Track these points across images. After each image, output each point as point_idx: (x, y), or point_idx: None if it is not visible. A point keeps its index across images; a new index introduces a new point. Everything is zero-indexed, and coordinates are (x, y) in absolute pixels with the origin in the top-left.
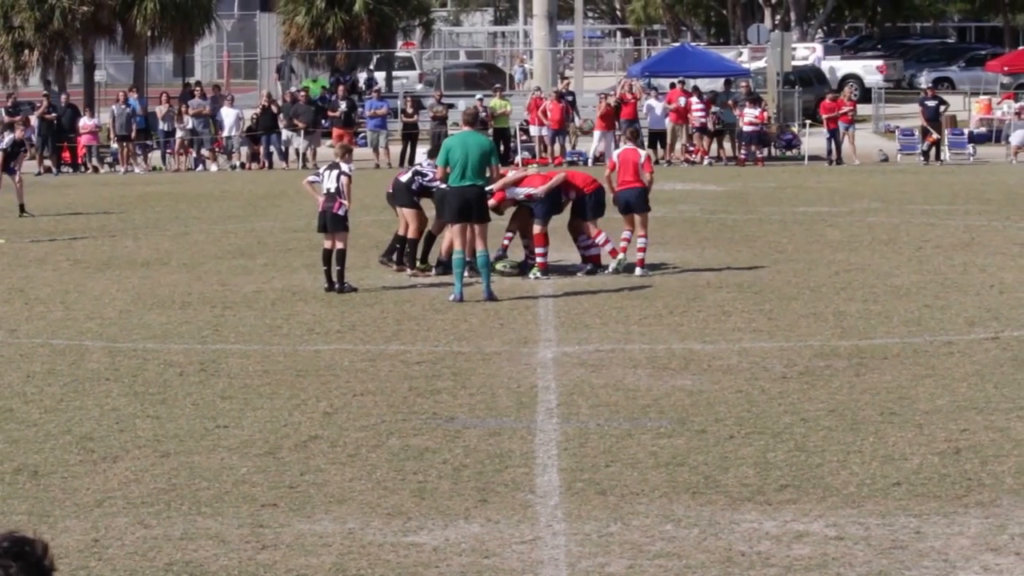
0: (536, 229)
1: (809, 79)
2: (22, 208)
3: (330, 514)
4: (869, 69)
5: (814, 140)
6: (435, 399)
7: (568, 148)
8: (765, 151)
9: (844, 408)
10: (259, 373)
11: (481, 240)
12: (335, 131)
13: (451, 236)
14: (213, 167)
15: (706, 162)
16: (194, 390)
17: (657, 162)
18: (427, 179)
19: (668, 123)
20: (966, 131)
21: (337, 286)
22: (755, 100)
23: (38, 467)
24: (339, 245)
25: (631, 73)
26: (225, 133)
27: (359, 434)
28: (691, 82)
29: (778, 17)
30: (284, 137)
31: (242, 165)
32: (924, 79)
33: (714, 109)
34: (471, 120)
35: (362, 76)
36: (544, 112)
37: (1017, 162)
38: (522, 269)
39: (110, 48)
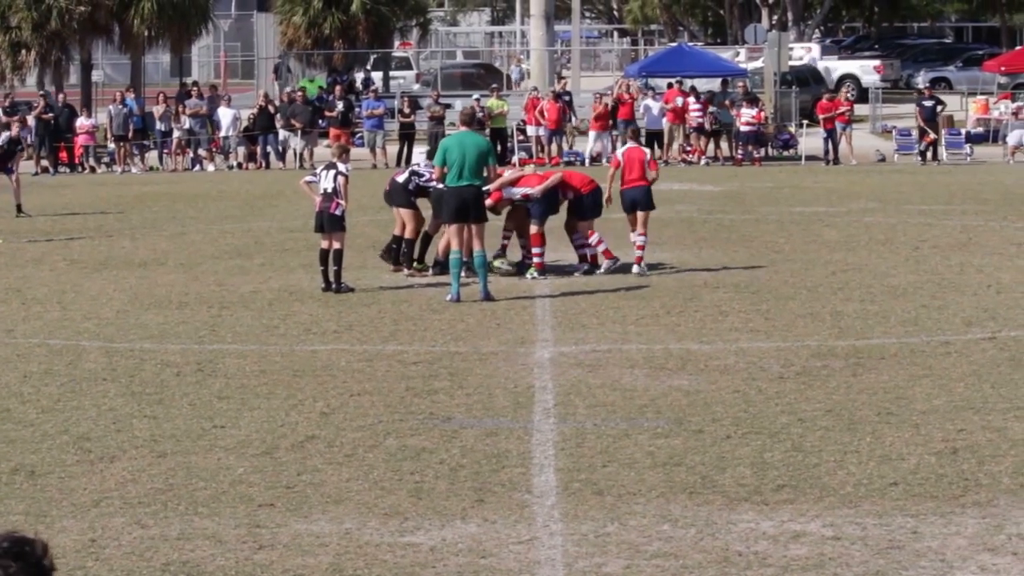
0: (533, 229)
1: (806, 79)
2: (19, 208)
3: (327, 514)
4: (866, 69)
5: (811, 140)
6: (432, 399)
7: (565, 148)
8: (762, 151)
9: (841, 408)
10: (256, 373)
11: (478, 240)
12: (332, 131)
13: (448, 236)
14: (210, 167)
15: (703, 162)
16: (191, 390)
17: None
18: (424, 179)
19: (665, 123)
20: (963, 131)
21: (334, 286)
22: (752, 100)
23: (35, 467)
24: (336, 245)
25: (628, 73)
26: (222, 133)
27: (356, 434)
28: (688, 82)
29: (775, 17)
30: (281, 137)
31: (239, 165)
32: (921, 79)
33: (711, 109)
34: (468, 120)
35: (359, 76)
36: (541, 112)
37: (1014, 162)
38: (519, 269)
39: (107, 48)
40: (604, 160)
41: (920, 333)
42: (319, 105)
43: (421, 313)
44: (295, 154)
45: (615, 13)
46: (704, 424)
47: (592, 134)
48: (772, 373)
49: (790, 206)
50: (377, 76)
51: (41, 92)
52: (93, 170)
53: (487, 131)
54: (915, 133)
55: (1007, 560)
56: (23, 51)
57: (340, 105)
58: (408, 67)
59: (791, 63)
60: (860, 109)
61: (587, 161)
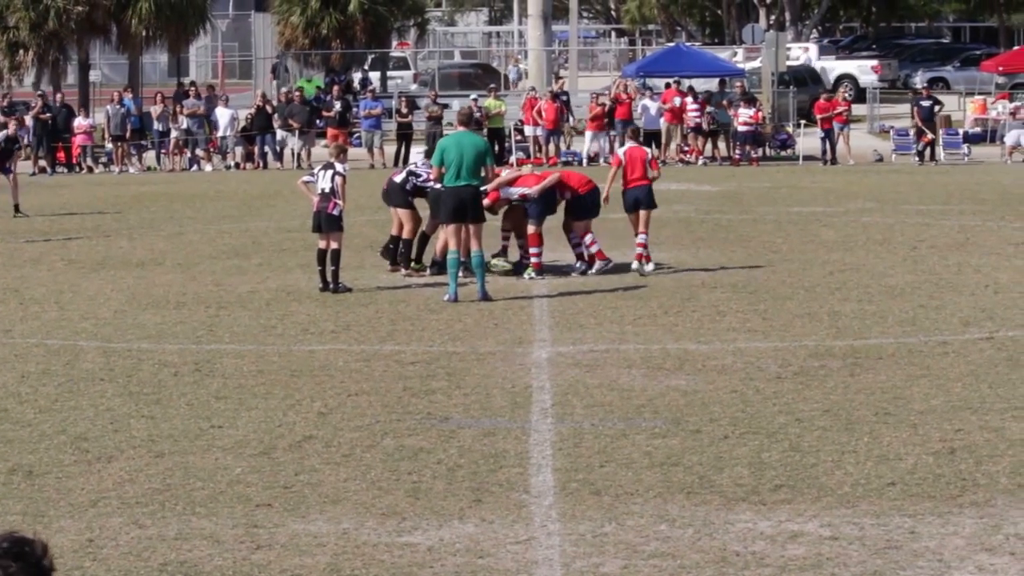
0: (530, 229)
1: (804, 79)
2: (17, 208)
3: (324, 514)
4: (864, 69)
5: (809, 140)
6: (430, 399)
7: (563, 148)
8: (760, 151)
9: (839, 408)
10: (254, 373)
11: (476, 240)
12: (330, 131)
13: (446, 236)
14: (208, 167)
15: (701, 162)
16: (189, 390)
17: None
18: (421, 179)
19: (663, 123)
20: (961, 131)
21: (332, 286)
22: (750, 100)
23: (33, 467)
24: (334, 245)
25: (626, 73)
26: (220, 133)
27: (354, 434)
28: (686, 82)
29: (773, 17)
30: (279, 137)
31: (237, 165)
32: (919, 79)
33: (709, 109)
34: (466, 120)
35: (357, 76)
36: (539, 112)
37: (1012, 162)
38: (516, 269)
39: (105, 48)
40: (602, 160)
41: (918, 333)
42: (317, 105)
43: (419, 313)
44: (293, 154)
45: (613, 13)
46: (702, 424)
47: (588, 134)
48: (770, 373)
49: (788, 206)
50: (375, 76)
51: (39, 92)
52: (91, 170)
53: (485, 131)
54: (912, 133)
55: (1005, 560)
56: (21, 51)
57: (338, 105)
58: (406, 67)
59: (788, 63)
60: (858, 109)
61: (585, 161)
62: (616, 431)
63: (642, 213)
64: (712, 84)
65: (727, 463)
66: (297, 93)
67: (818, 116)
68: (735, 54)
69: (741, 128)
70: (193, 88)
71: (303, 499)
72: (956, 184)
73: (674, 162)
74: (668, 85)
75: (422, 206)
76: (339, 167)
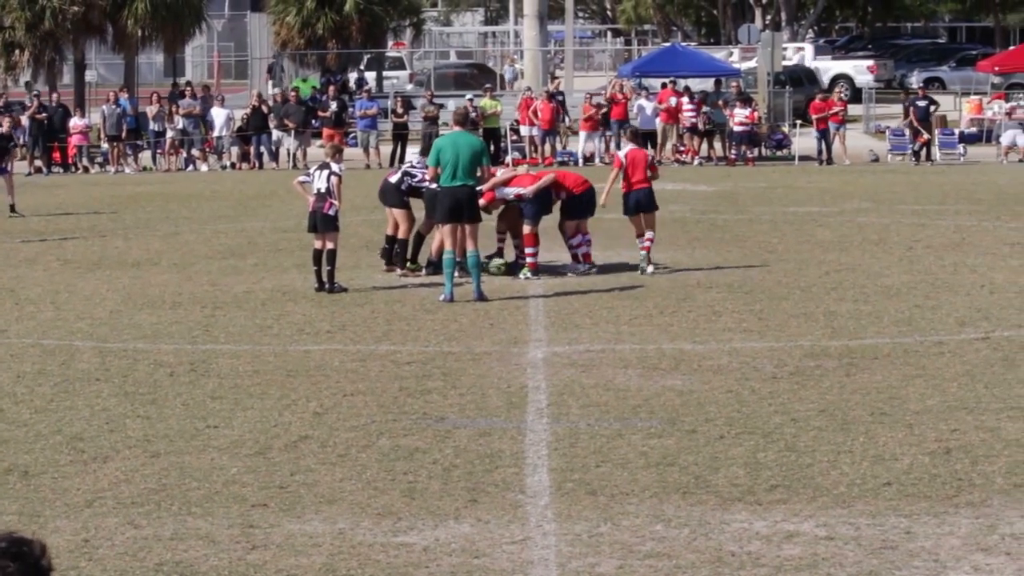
0: (526, 229)
1: (800, 79)
2: (12, 208)
3: (320, 514)
4: (860, 69)
5: (804, 140)
6: (425, 399)
7: (559, 148)
8: (755, 151)
9: (834, 408)
10: (249, 373)
11: (472, 240)
12: (325, 131)
13: (441, 236)
14: (203, 167)
15: (696, 162)
16: (184, 390)
17: None
18: (416, 180)
19: (659, 123)
20: (957, 131)
21: (327, 286)
22: (745, 100)
23: (28, 467)
24: (329, 245)
25: (622, 73)
26: (215, 133)
27: (349, 434)
28: (682, 82)
29: (768, 17)
30: (274, 137)
31: (232, 165)
32: (915, 79)
33: (705, 109)
34: (461, 120)
35: (352, 76)
36: (535, 112)
37: (1008, 162)
38: (512, 269)
39: (100, 48)
40: (597, 160)
41: (914, 333)
42: (312, 105)
43: (414, 313)
44: (288, 154)
45: (608, 13)
46: (697, 424)
47: (583, 134)
48: (765, 373)
49: (783, 206)
50: (370, 76)
51: (34, 93)
52: (87, 170)
53: (480, 131)
54: (908, 133)
55: (1000, 560)
56: (16, 51)
57: (333, 105)
58: (401, 67)
59: (783, 63)
60: (854, 109)
61: (580, 161)
62: (612, 431)
63: (644, 216)
64: (708, 84)
65: (723, 463)
66: (293, 93)
67: (814, 116)
68: (731, 54)
69: (737, 128)
70: (189, 88)
71: (299, 499)
72: (952, 184)
73: (670, 162)
74: (664, 85)
75: (418, 206)
76: (335, 167)
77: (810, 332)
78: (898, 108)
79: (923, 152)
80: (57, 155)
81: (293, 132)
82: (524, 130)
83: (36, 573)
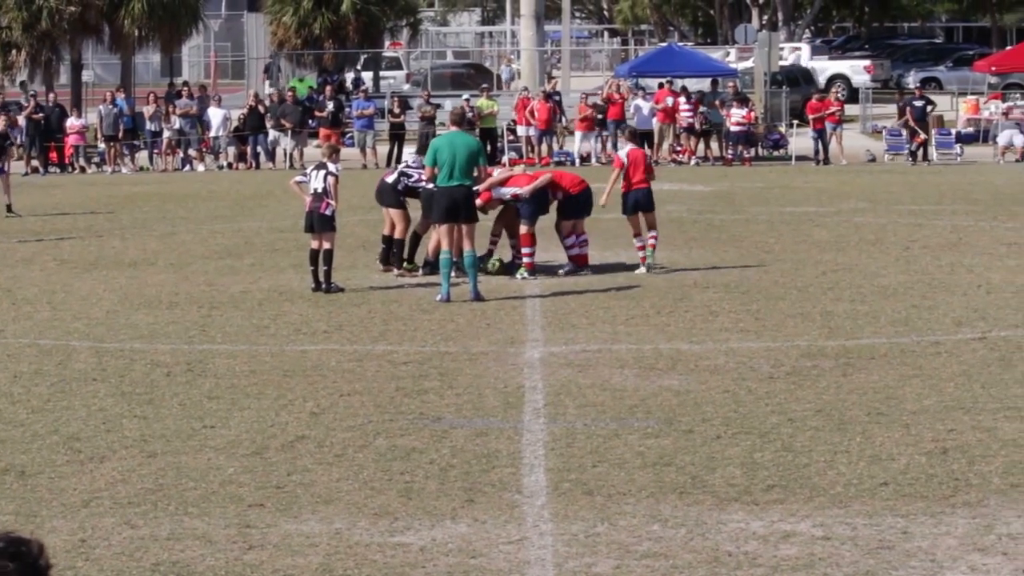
0: (523, 229)
1: (796, 79)
2: (9, 208)
3: (317, 514)
4: (856, 69)
5: (801, 140)
6: (422, 399)
7: (555, 148)
8: (752, 151)
9: (831, 408)
10: (246, 373)
11: (469, 240)
12: (322, 131)
13: (438, 236)
14: (200, 167)
15: (693, 162)
16: (181, 390)
17: None
18: (413, 179)
19: (655, 123)
20: (954, 131)
21: (324, 286)
22: (742, 100)
23: (25, 467)
24: (326, 245)
25: (618, 73)
26: (212, 133)
27: (346, 434)
28: (678, 82)
29: (765, 17)
30: (271, 137)
31: (229, 165)
32: (911, 79)
33: (701, 109)
34: (458, 120)
35: (349, 76)
36: (531, 112)
37: (1004, 162)
38: (509, 269)
39: (97, 48)
40: (594, 160)
41: (910, 333)
42: (309, 105)
43: (411, 313)
44: (285, 154)
45: (605, 13)
46: (694, 424)
47: (578, 134)
48: (762, 373)
49: (780, 206)
50: (367, 76)
51: (31, 93)
52: (83, 170)
53: (477, 131)
54: (905, 133)
55: (997, 560)
56: (13, 51)
57: (330, 105)
58: (398, 67)
59: (779, 63)
60: (850, 109)
61: (577, 161)
62: (608, 431)
63: (644, 215)
64: (705, 84)
65: (719, 463)
66: (290, 93)
67: (810, 116)
68: (728, 54)
69: (734, 128)
70: (186, 88)
71: (295, 499)
72: (949, 184)
73: (666, 162)
74: (661, 85)
75: (414, 206)
76: (332, 167)
77: (807, 332)
78: (894, 108)
79: (920, 152)
80: (54, 155)
81: (290, 132)
82: (521, 130)
83: (34, 573)
